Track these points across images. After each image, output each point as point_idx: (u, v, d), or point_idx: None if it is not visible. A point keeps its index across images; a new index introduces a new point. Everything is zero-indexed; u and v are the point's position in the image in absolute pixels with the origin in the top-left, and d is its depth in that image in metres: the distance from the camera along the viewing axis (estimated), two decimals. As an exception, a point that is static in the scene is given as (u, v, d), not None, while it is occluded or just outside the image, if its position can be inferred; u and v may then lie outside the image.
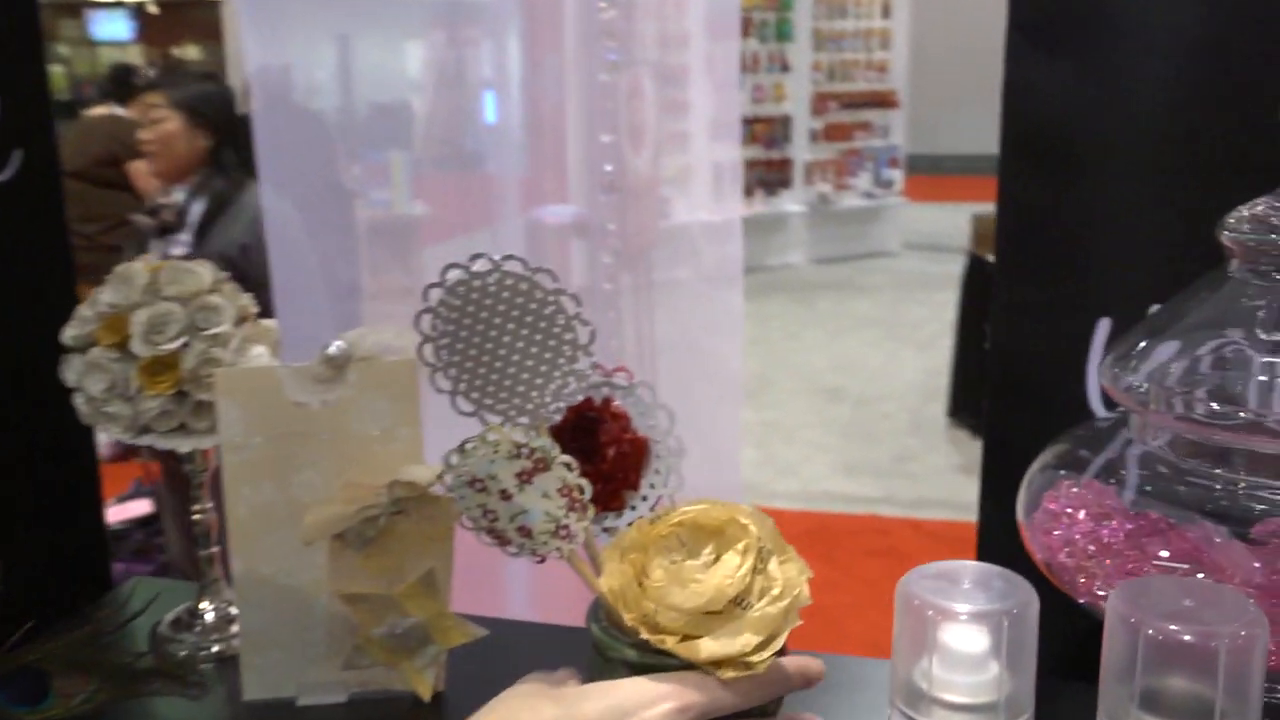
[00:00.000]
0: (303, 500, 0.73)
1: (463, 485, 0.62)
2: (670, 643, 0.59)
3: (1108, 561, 0.57)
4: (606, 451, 0.66)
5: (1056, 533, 0.59)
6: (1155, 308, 0.75)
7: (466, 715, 0.74)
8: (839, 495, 3.72)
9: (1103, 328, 0.78)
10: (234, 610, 0.84)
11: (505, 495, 0.61)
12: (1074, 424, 0.79)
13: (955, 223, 7.32)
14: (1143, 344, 0.61)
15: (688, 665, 0.61)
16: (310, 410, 0.72)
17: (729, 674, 0.59)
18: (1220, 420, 0.56)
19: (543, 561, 0.63)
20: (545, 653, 0.84)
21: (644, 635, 0.60)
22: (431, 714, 0.75)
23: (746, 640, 0.59)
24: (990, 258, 4.03)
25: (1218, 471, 0.57)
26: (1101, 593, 0.56)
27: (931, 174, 9.09)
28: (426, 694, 0.75)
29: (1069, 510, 0.60)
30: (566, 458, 0.61)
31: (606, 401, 0.67)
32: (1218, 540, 0.56)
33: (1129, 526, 0.58)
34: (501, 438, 0.60)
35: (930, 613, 0.46)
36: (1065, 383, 0.79)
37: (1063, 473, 0.64)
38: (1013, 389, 0.81)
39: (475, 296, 0.63)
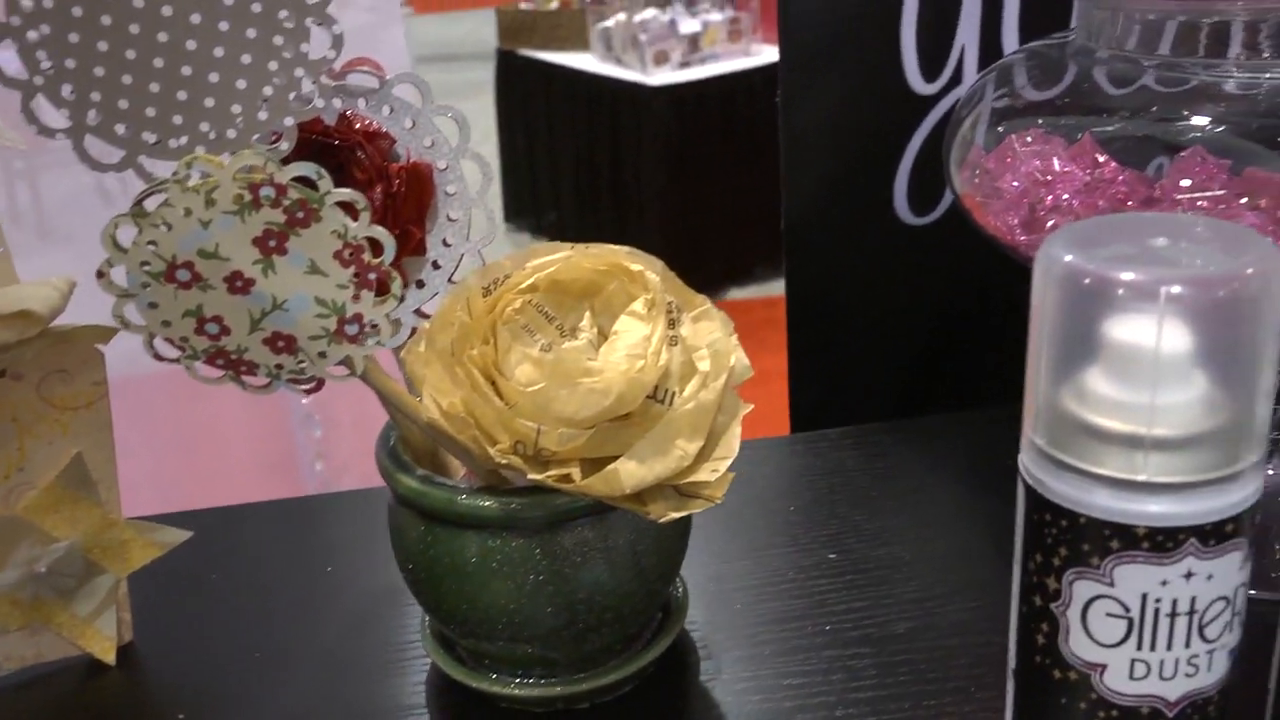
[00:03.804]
0: None
1: (151, 280, 0.34)
2: (576, 476, 0.37)
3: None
4: (369, 196, 0.40)
5: (1049, 199, 0.42)
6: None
7: (179, 665, 0.48)
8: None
9: (918, -30, 0.61)
10: None
11: (240, 284, 0.34)
12: (890, 103, 0.63)
13: (466, 29, 7.07)
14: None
15: (593, 509, 0.39)
16: None
17: (668, 511, 0.38)
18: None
19: (316, 389, 0.37)
20: (286, 541, 0.57)
21: (531, 474, 0.37)
22: (122, 680, 0.47)
23: (683, 450, 0.38)
24: (523, 51, 3.86)
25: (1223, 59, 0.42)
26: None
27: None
28: (109, 654, 0.47)
29: (1038, 166, 0.44)
30: (345, 192, 0.34)
31: (347, 118, 0.40)
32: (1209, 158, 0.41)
33: (1124, 171, 0.43)
34: (218, 170, 0.32)
35: (1118, 291, 0.27)
36: (875, 55, 0.62)
37: (1000, 128, 0.47)
38: (805, 70, 0.63)
39: (89, -65, 0.33)
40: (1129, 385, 0.28)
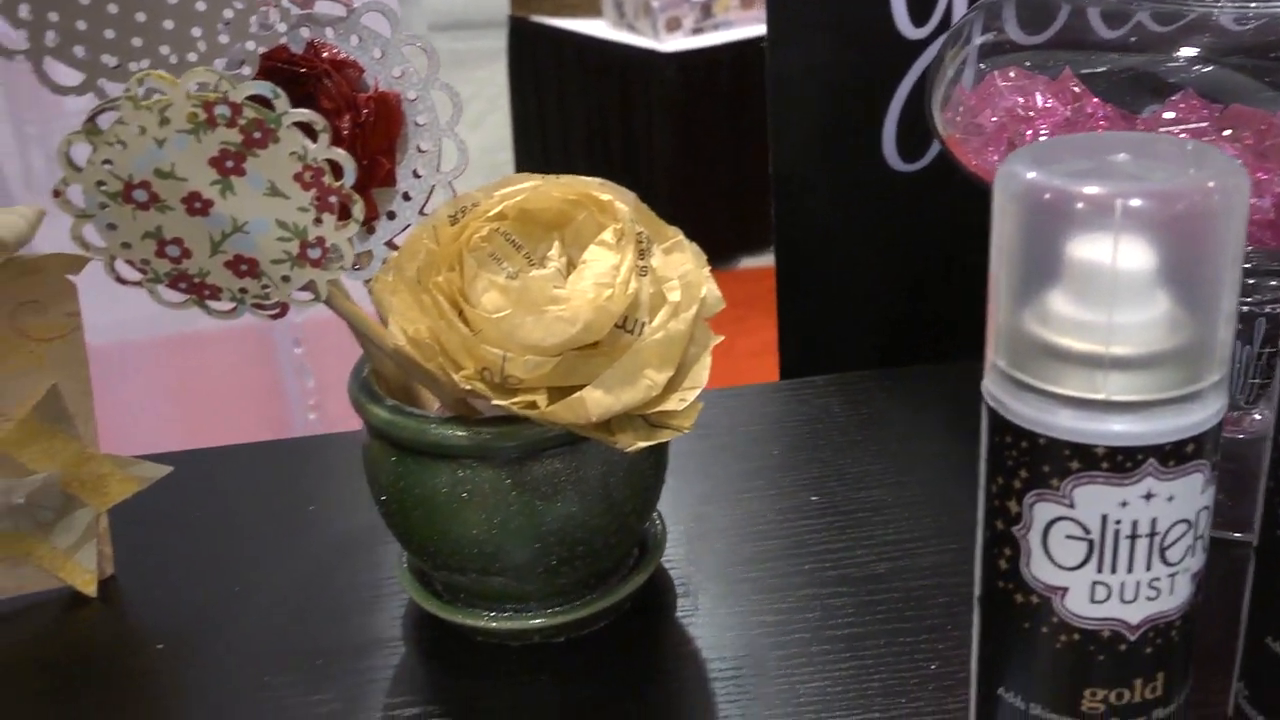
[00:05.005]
0: None
1: (108, 200, 0.34)
2: (541, 403, 0.36)
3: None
4: (336, 125, 0.39)
5: (1029, 134, 0.42)
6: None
7: (160, 598, 0.48)
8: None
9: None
10: None
11: (197, 204, 0.34)
12: (878, 49, 0.62)
13: (477, -4, 7.04)
14: None
15: (565, 440, 0.39)
16: None
17: (636, 441, 0.38)
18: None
19: (281, 315, 0.37)
20: (271, 481, 0.57)
21: (495, 400, 0.36)
22: (103, 612, 0.48)
23: (651, 380, 0.37)
24: (535, 18, 3.84)
25: None
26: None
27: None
28: (90, 586, 0.47)
29: (1019, 101, 0.43)
30: (303, 112, 0.34)
31: (314, 46, 0.40)
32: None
33: (1106, 105, 0.42)
34: (171, 87, 0.32)
35: (1075, 205, 0.27)
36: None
37: (982, 66, 0.46)
38: (792, 15, 0.62)
39: None
40: (1087, 303, 0.28)
